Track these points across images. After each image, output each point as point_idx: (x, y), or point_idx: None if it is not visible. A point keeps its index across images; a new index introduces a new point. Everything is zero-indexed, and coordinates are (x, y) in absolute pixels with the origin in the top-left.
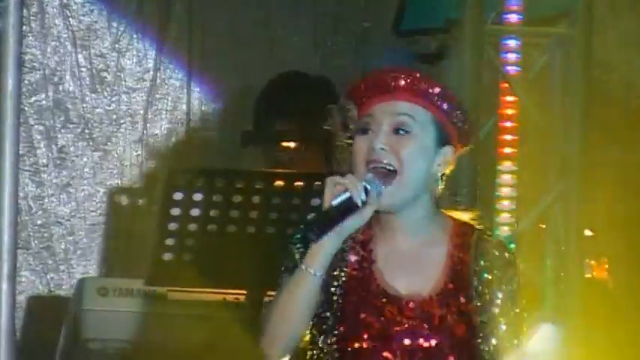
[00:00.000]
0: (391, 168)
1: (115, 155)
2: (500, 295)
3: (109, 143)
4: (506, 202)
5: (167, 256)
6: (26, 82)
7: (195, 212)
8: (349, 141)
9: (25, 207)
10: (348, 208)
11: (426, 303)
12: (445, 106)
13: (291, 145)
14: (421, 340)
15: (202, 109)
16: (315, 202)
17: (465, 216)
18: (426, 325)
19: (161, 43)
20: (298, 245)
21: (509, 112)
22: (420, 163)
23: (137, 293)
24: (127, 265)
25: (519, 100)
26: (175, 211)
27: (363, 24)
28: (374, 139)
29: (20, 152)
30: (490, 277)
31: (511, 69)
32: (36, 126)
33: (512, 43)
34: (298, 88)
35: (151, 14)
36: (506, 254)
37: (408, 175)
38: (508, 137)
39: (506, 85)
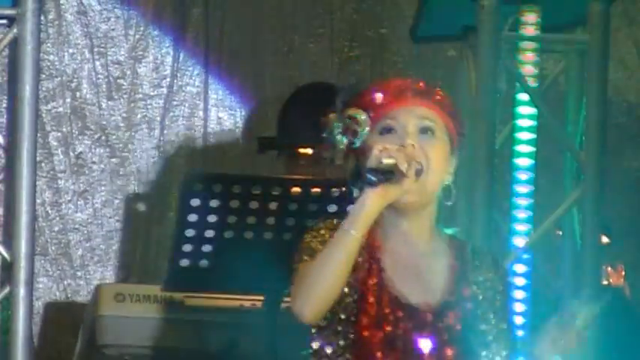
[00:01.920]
0: (419, 167)
1: (132, 162)
2: (493, 308)
3: (125, 150)
4: (522, 211)
5: (184, 262)
6: (43, 88)
7: (212, 218)
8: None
9: (42, 213)
10: (390, 173)
11: (437, 312)
12: (453, 116)
13: (309, 151)
14: (435, 349)
15: (219, 115)
16: (332, 208)
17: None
18: (441, 335)
19: (178, 50)
20: (322, 232)
21: (527, 121)
22: (443, 165)
23: (154, 299)
24: (144, 272)
25: (536, 107)
26: (192, 217)
27: (379, 31)
28: (400, 139)
29: (37, 159)
30: (487, 288)
31: (528, 76)
32: (53, 133)
33: (528, 50)
34: (325, 99)
35: (168, 21)
36: (501, 268)
37: (433, 176)
38: (525, 148)
39: (524, 93)
